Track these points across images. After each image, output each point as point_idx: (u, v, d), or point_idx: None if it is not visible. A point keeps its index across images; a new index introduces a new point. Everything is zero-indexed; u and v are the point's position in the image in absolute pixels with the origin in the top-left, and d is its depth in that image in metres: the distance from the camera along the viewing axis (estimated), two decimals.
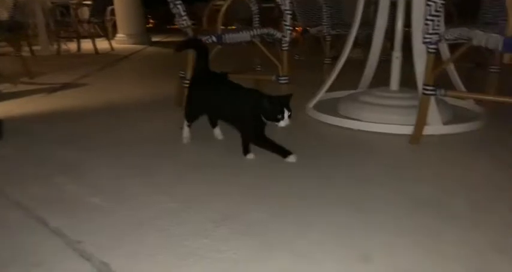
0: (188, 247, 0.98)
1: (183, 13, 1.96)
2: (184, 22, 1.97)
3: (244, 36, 2.03)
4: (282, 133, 1.51)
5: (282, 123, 1.40)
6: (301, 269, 0.90)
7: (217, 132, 1.75)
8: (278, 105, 1.39)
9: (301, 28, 3.65)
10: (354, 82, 2.30)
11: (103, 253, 0.95)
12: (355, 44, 3.54)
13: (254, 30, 2.08)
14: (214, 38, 1.97)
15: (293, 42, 4.07)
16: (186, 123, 1.72)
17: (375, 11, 2.21)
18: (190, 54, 2.00)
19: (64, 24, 5.60)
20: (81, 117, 2.23)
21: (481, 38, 1.34)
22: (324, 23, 3.02)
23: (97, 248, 0.97)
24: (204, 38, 1.97)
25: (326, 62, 3.02)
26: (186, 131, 1.73)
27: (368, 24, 2.32)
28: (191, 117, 1.70)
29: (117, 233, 1.04)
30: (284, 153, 1.47)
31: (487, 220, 1.10)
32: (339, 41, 2.94)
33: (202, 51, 1.63)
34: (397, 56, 2.08)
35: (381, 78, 2.12)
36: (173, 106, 2.31)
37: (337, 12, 3.11)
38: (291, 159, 1.46)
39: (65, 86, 3.09)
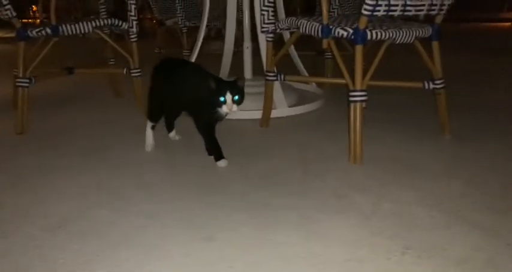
0: (14, 263, 0.87)
1: (5, 2, 1.70)
2: (8, 12, 1.72)
3: (85, 27, 1.88)
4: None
5: (224, 108, 1.25)
6: (148, 259, 0.88)
7: (173, 134, 1.60)
8: (222, 86, 1.23)
9: (158, 20, 3.55)
10: (216, 74, 2.35)
11: None
12: (219, 36, 3.60)
13: (97, 21, 1.94)
14: (48, 30, 1.77)
15: (152, 35, 3.95)
16: (149, 124, 1.46)
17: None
18: (21, 48, 1.76)
19: None
20: None
21: (305, 26, 1.49)
22: (178, 15, 3.00)
23: None
24: (37, 30, 1.76)
25: (185, 53, 3.01)
26: (149, 136, 1.47)
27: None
28: (156, 114, 1.45)
29: None
30: (218, 156, 1.37)
31: (316, 187, 1.24)
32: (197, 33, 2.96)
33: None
34: (247, 46, 2.19)
35: (239, 68, 2.21)
36: (12, 109, 2.02)
37: (192, 4, 3.12)
38: (222, 163, 1.36)
39: None
